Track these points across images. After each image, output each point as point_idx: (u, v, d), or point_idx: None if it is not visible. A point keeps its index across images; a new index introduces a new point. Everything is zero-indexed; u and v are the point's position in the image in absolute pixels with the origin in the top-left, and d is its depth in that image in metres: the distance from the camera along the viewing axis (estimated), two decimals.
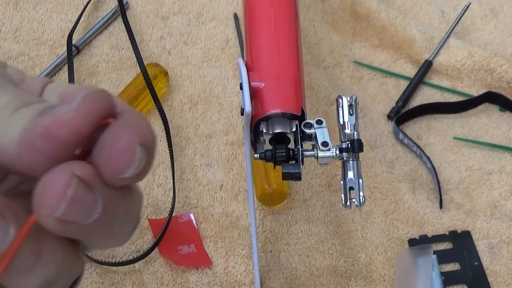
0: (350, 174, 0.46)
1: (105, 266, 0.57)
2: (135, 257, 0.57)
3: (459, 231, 0.61)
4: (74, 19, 0.72)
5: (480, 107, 0.70)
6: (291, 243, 0.59)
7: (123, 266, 0.57)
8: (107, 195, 0.25)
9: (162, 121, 0.64)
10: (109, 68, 0.70)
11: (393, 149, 0.66)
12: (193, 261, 0.58)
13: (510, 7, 0.79)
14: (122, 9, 0.73)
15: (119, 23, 0.74)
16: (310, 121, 0.46)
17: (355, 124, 0.47)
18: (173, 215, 0.60)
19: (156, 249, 0.58)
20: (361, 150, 0.46)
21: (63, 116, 0.25)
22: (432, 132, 0.68)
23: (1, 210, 0.24)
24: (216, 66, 0.71)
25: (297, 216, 0.61)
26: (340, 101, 0.48)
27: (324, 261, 0.58)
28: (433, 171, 0.63)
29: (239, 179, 0.63)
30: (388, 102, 0.70)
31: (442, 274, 0.58)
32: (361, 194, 0.45)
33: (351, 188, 0.46)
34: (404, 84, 0.71)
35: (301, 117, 0.47)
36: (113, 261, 0.58)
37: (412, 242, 0.60)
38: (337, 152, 0.45)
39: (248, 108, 0.45)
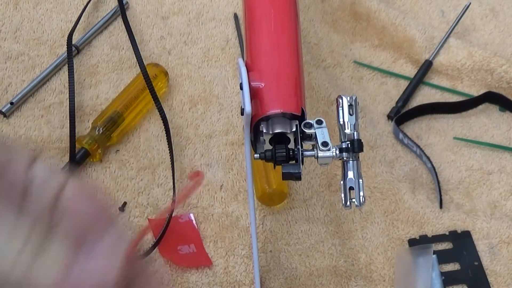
0: (350, 174, 0.46)
1: None
2: None
3: (459, 231, 0.61)
4: (74, 19, 0.72)
5: (480, 107, 0.70)
6: (291, 243, 0.59)
7: None
8: None
9: (162, 121, 0.64)
10: (109, 68, 0.70)
11: (393, 149, 0.66)
12: (193, 261, 0.58)
13: (510, 7, 0.79)
14: (122, 9, 0.73)
15: (119, 23, 0.74)
16: (310, 121, 0.46)
17: (355, 124, 0.47)
18: (173, 215, 0.60)
19: (156, 249, 0.58)
20: (361, 150, 0.46)
21: None
22: (432, 132, 0.68)
23: None
24: (216, 66, 0.71)
25: (297, 216, 0.61)
26: (340, 101, 0.48)
27: (324, 261, 0.58)
28: (433, 171, 0.63)
29: (239, 179, 0.63)
30: (388, 102, 0.70)
31: (442, 274, 0.58)
32: (361, 194, 0.45)
33: (351, 188, 0.46)
34: (404, 84, 0.71)
35: (301, 117, 0.47)
36: None
37: (412, 242, 0.60)
38: (337, 152, 0.45)
39: (248, 108, 0.45)
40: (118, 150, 0.64)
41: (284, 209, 0.61)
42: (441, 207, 0.62)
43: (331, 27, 0.76)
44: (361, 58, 0.73)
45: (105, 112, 0.64)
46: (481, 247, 0.60)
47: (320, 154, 0.45)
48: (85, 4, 0.74)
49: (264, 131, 0.47)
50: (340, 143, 0.46)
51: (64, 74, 0.69)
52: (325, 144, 0.45)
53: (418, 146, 0.65)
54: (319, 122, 0.46)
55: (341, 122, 0.47)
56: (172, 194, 0.61)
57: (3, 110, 0.66)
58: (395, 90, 0.71)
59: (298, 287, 0.57)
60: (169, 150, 0.63)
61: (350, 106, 0.47)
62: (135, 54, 0.68)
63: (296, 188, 0.62)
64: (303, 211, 0.61)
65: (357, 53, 0.74)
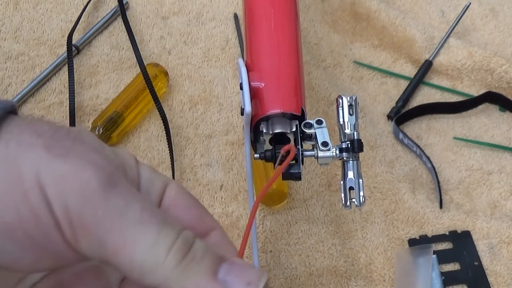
0: (350, 174, 0.46)
1: None
2: None
3: (459, 231, 0.61)
4: (74, 19, 0.72)
5: (480, 107, 0.70)
6: (291, 243, 0.59)
7: None
8: None
9: (162, 121, 0.64)
10: (109, 68, 0.70)
11: (393, 149, 0.66)
12: None
13: (510, 7, 0.79)
14: (122, 9, 0.73)
15: (119, 23, 0.74)
16: (310, 121, 0.46)
17: (355, 124, 0.47)
18: None
19: None
20: (361, 150, 0.46)
21: None
22: (432, 132, 0.68)
23: None
24: (216, 66, 0.71)
25: (297, 216, 0.61)
26: (340, 101, 0.48)
27: (324, 261, 0.58)
28: (433, 171, 0.63)
29: (239, 179, 0.63)
30: (388, 102, 0.70)
31: (442, 274, 0.58)
32: (361, 194, 0.46)
33: (351, 188, 0.46)
34: (404, 84, 0.71)
35: (301, 117, 0.47)
36: None
37: (412, 242, 0.60)
38: (337, 152, 0.45)
39: (248, 108, 0.45)
40: None
41: (284, 209, 0.61)
42: (441, 207, 0.62)
43: (331, 27, 0.76)
44: (361, 58, 0.73)
45: (105, 112, 0.64)
46: (481, 247, 0.60)
47: (320, 154, 0.45)
48: (85, 4, 0.74)
49: (264, 131, 0.47)
50: (340, 143, 0.46)
51: (64, 74, 0.69)
52: (325, 144, 0.45)
53: (418, 146, 0.65)
54: (319, 122, 0.46)
55: (341, 122, 0.47)
56: None
57: None
58: (395, 90, 0.71)
59: (298, 287, 0.57)
60: (169, 150, 0.63)
61: (350, 106, 0.47)
62: (135, 54, 0.68)
63: (296, 188, 0.62)
64: (303, 211, 0.61)
65: (357, 53, 0.74)
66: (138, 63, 0.67)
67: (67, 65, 0.68)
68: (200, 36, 0.74)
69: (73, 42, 0.70)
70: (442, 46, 0.73)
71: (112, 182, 0.30)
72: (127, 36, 0.71)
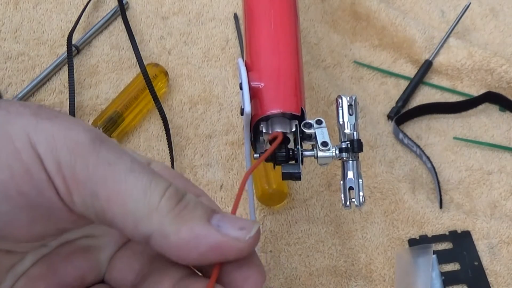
0: (350, 174, 0.46)
1: None
2: None
3: (459, 231, 0.61)
4: (74, 19, 0.72)
5: (480, 107, 0.70)
6: (291, 243, 0.59)
7: None
8: None
9: (162, 121, 0.64)
10: (109, 68, 0.70)
11: (393, 149, 0.66)
12: None
13: (510, 7, 0.79)
14: (122, 9, 0.73)
15: (119, 23, 0.74)
16: (310, 121, 0.46)
17: (354, 124, 0.47)
18: None
19: None
20: (361, 150, 0.46)
21: (234, 242, 0.31)
22: (432, 132, 0.68)
23: None
24: (216, 66, 0.71)
25: (297, 216, 0.61)
26: (340, 101, 0.48)
27: (324, 261, 0.58)
28: (433, 171, 0.63)
29: (239, 179, 0.63)
30: (388, 102, 0.70)
31: (442, 274, 0.58)
32: (361, 194, 0.45)
33: (351, 188, 0.46)
34: (404, 84, 0.71)
35: (301, 117, 0.47)
36: None
37: (412, 242, 0.60)
38: (337, 152, 0.45)
39: (247, 108, 0.45)
40: None
41: (284, 209, 0.61)
42: (441, 207, 0.62)
43: (331, 27, 0.76)
44: (361, 58, 0.73)
45: (105, 112, 0.64)
46: (481, 247, 0.60)
47: (320, 154, 0.45)
48: (85, 4, 0.74)
49: (264, 131, 0.47)
50: (339, 143, 0.46)
51: (64, 74, 0.69)
52: (324, 144, 0.45)
53: (418, 146, 0.65)
54: (318, 122, 0.46)
55: (341, 122, 0.47)
56: None
57: None
58: (395, 90, 0.71)
59: (298, 287, 0.57)
60: (169, 150, 0.63)
61: (349, 106, 0.47)
62: (135, 54, 0.68)
63: (296, 188, 0.62)
64: (303, 211, 0.61)
65: (357, 53, 0.74)
66: (138, 63, 0.67)
67: (67, 65, 0.68)
68: (200, 36, 0.74)
69: (73, 42, 0.70)
70: (442, 46, 0.73)
71: (100, 138, 0.31)
72: (127, 36, 0.71)
